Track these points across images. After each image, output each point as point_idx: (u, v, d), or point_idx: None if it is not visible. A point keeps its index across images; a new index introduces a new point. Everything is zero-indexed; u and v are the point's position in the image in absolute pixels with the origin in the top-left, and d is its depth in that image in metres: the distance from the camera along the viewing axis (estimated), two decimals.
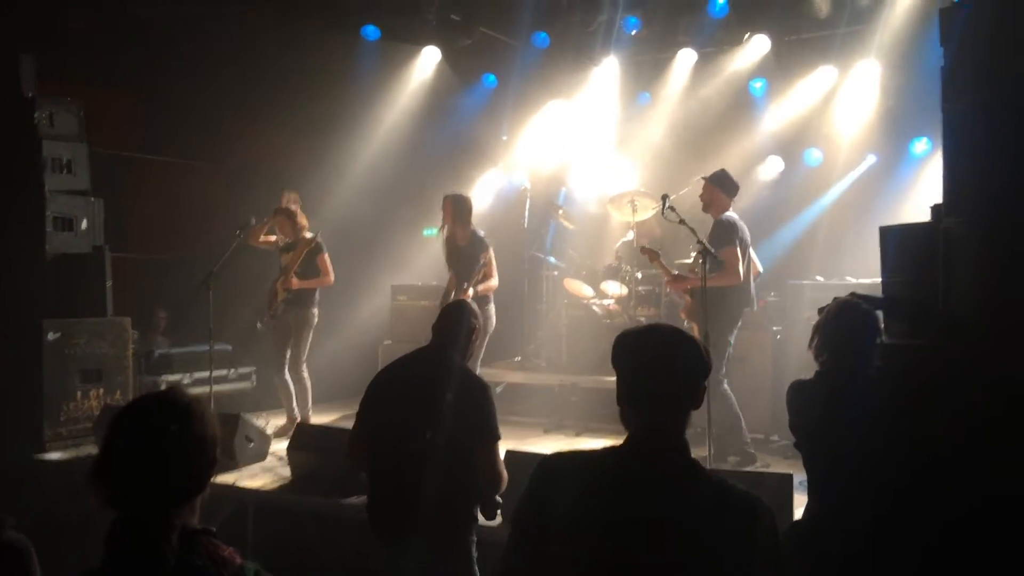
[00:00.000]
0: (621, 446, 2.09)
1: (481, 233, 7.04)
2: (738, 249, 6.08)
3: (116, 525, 1.80)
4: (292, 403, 7.17)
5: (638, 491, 1.99)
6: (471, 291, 6.54)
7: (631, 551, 1.94)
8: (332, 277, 7.21)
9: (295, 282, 7.02)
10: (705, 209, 6.40)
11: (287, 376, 7.17)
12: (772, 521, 1.99)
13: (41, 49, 7.08)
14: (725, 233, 6.14)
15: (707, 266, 5.76)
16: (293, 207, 7.24)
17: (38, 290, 6.68)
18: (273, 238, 7.30)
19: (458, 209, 6.98)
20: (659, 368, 2.10)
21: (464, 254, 6.95)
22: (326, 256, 7.16)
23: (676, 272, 6.62)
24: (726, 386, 6.11)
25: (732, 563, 1.92)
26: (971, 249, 3.61)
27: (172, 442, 1.84)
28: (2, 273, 6.65)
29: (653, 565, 1.94)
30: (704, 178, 6.42)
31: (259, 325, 7.26)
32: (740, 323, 6.32)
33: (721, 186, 6.35)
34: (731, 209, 6.35)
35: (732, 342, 6.24)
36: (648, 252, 6.52)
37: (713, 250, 5.92)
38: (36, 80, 6.87)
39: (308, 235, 7.13)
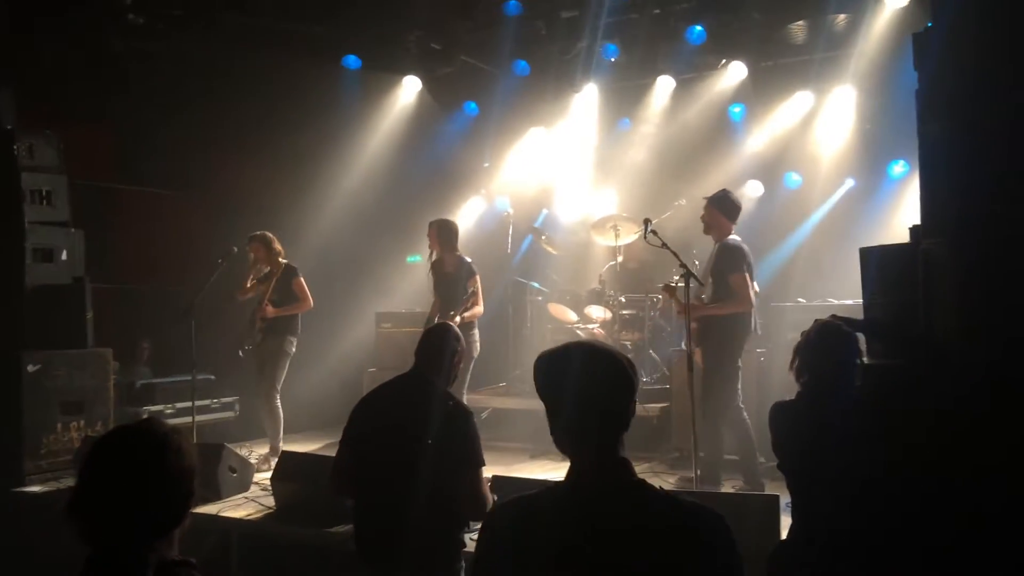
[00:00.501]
0: (563, 483, 1.99)
1: (468, 259, 7.06)
2: (746, 275, 5.97)
3: (91, 562, 1.78)
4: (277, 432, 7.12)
5: (587, 528, 1.90)
6: (458, 319, 6.53)
7: None
8: (310, 302, 7.18)
9: (270, 310, 7.00)
10: (707, 231, 6.28)
11: (262, 404, 7.13)
12: (725, 529, 1.92)
13: (20, 81, 7.07)
14: (732, 259, 6.01)
15: (690, 288, 5.75)
16: (269, 235, 7.22)
17: (18, 321, 6.62)
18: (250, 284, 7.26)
19: (445, 234, 7.01)
20: (587, 391, 1.97)
21: (451, 280, 6.96)
22: (301, 280, 7.14)
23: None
24: (744, 413, 6.03)
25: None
26: (950, 269, 3.65)
27: (148, 474, 1.82)
28: None
29: None
30: (706, 199, 6.29)
31: (240, 353, 7.21)
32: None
33: (723, 208, 6.18)
34: (733, 231, 6.24)
35: (735, 370, 6.18)
36: (667, 289, 6.18)
37: (700, 275, 5.93)
38: (15, 112, 6.85)
39: (283, 261, 7.12)
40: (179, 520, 1.87)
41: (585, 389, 1.98)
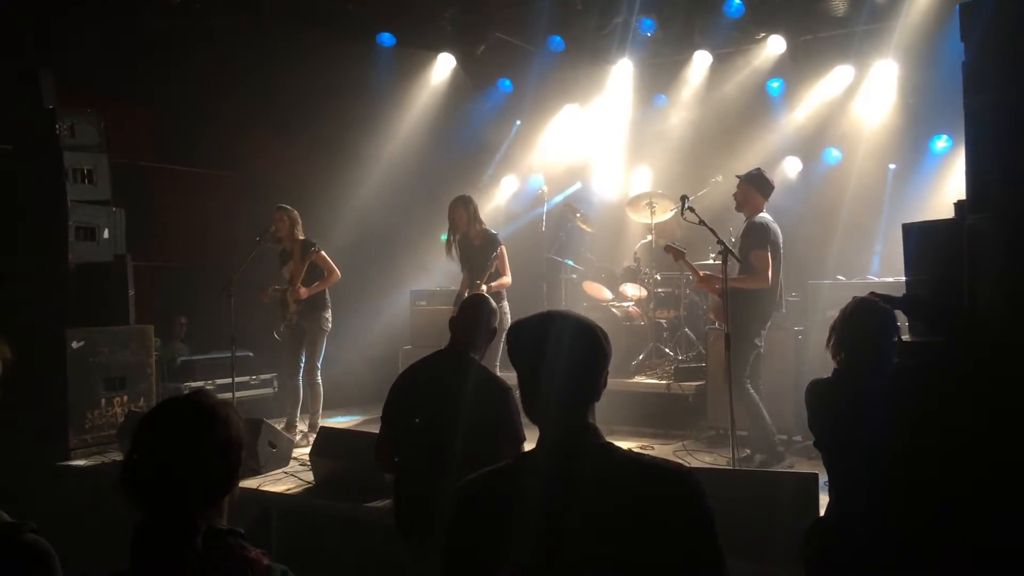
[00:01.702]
0: (533, 451, 2.04)
1: (493, 231, 7.06)
2: (768, 253, 5.99)
3: (141, 527, 1.82)
4: (296, 409, 7.21)
5: (559, 491, 1.93)
6: (484, 287, 6.53)
7: (565, 555, 1.88)
8: (338, 273, 7.22)
9: (303, 292, 7.05)
10: (739, 208, 6.30)
11: (299, 381, 7.21)
12: (694, 483, 1.94)
13: (61, 62, 7.15)
14: (757, 236, 6.05)
15: (727, 266, 5.73)
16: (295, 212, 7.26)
17: (61, 299, 6.73)
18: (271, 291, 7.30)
19: (472, 209, 7.01)
20: (558, 361, 2.00)
21: (478, 252, 6.96)
22: (324, 254, 7.17)
23: (704, 272, 6.54)
24: (748, 386, 6.06)
25: (665, 533, 1.88)
26: (996, 245, 3.59)
27: (198, 444, 1.86)
28: (26, 283, 6.70)
29: (590, 562, 1.89)
30: (738, 176, 6.30)
31: (276, 335, 7.29)
32: (768, 324, 6.28)
33: (756, 186, 6.20)
34: (764, 209, 6.25)
35: (761, 344, 6.19)
36: (672, 251, 6.38)
37: (736, 251, 5.90)
38: (56, 92, 6.94)
39: (302, 239, 7.17)
40: (228, 489, 1.91)
41: (557, 359, 2.01)
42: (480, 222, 7.04)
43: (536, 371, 2.04)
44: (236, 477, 1.93)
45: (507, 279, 6.96)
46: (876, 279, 7.18)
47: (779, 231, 6.21)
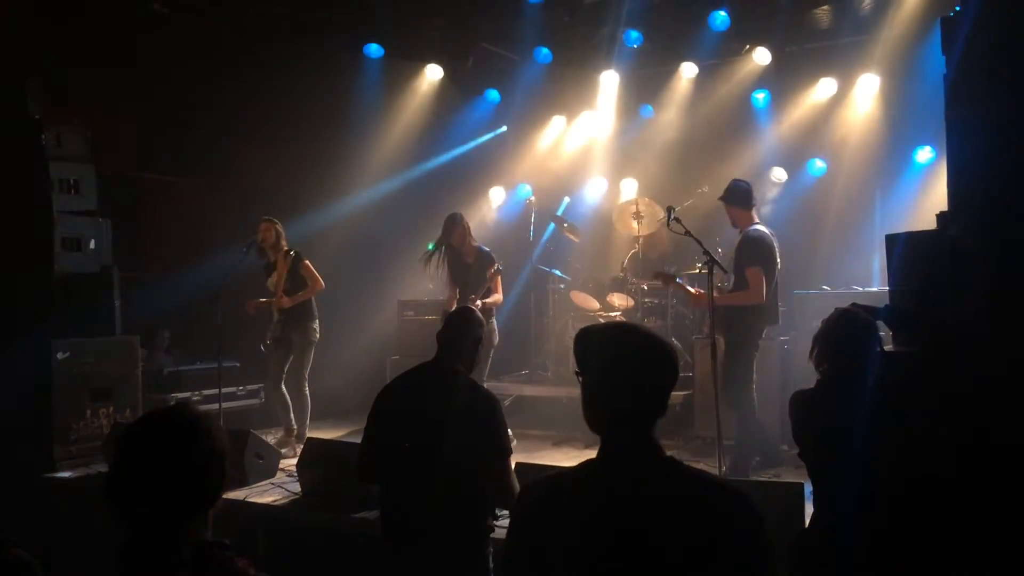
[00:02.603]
0: (598, 460, 1.99)
1: (486, 248, 7.13)
2: (761, 268, 5.98)
3: (128, 541, 1.82)
4: (290, 414, 7.19)
5: (624, 505, 1.90)
6: (479, 303, 6.56)
7: (628, 566, 1.87)
8: (321, 282, 7.21)
9: (286, 300, 7.05)
10: (734, 226, 6.32)
11: (283, 389, 7.19)
12: (752, 506, 1.91)
13: (47, 72, 7.13)
14: (749, 251, 6.06)
15: (713, 276, 5.76)
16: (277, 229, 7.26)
17: (47, 310, 6.70)
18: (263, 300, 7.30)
19: (464, 227, 7.10)
20: (637, 372, 1.98)
21: (472, 270, 7.02)
22: (308, 263, 7.17)
23: (698, 290, 6.46)
24: (754, 394, 6.09)
25: (720, 554, 1.85)
26: (978, 256, 3.62)
27: (181, 457, 1.86)
28: (11, 293, 6.67)
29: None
30: (720, 199, 6.32)
31: (262, 347, 7.29)
32: (764, 336, 6.29)
33: (735, 201, 6.23)
34: (757, 219, 6.25)
35: (750, 359, 6.21)
36: (662, 276, 6.34)
37: (725, 264, 5.95)
38: (42, 102, 6.92)
39: (287, 249, 7.17)
40: (212, 501, 1.91)
41: (631, 368, 1.98)
42: (472, 239, 7.12)
43: (604, 378, 2.01)
44: (220, 489, 1.93)
45: (499, 297, 7.03)
46: (861, 289, 7.23)
47: (774, 241, 6.19)
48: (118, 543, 1.81)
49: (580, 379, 2.06)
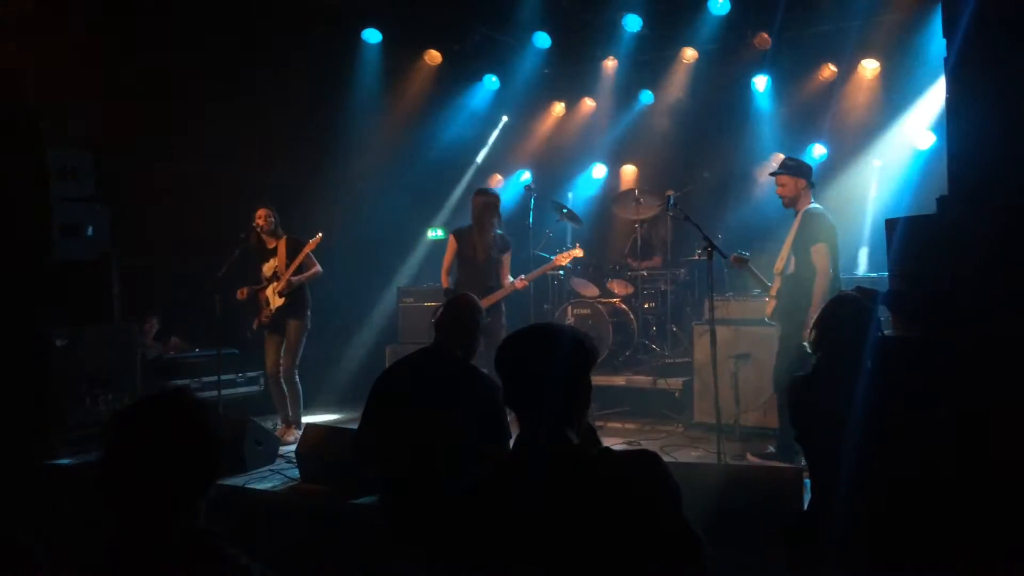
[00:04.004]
0: (509, 453, 2.16)
1: (500, 231, 6.91)
2: (826, 245, 5.71)
3: (118, 527, 1.81)
4: (287, 407, 7.18)
5: (532, 490, 2.01)
6: (519, 284, 6.52)
7: (546, 559, 1.94)
8: (320, 267, 7.20)
9: (290, 282, 7.00)
10: (788, 205, 5.99)
11: (281, 381, 7.18)
12: (652, 467, 2.02)
13: (45, 58, 7.10)
14: (812, 228, 5.75)
15: (713, 261, 5.73)
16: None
17: (45, 297, 6.69)
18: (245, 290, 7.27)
19: (498, 211, 6.81)
20: (524, 372, 2.14)
21: (488, 253, 6.78)
22: (308, 249, 7.14)
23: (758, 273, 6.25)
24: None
25: (635, 522, 1.93)
26: (977, 239, 3.61)
27: (171, 443, 1.84)
28: (9, 280, 6.66)
29: (570, 563, 1.94)
30: (777, 172, 6.00)
31: (254, 327, 7.27)
32: None
33: (801, 174, 5.91)
34: (811, 196, 5.98)
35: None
36: (737, 260, 6.10)
37: (719, 248, 5.88)
38: (41, 88, 6.89)
39: (283, 233, 7.16)
40: (204, 489, 1.89)
41: (531, 365, 2.14)
42: (497, 221, 6.83)
43: (508, 380, 2.17)
44: (214, 476, 1.91)
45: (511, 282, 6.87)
46: (862, 274, 7.21)
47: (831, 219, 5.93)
48: (109, 530, 1.80)
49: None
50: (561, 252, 7.05)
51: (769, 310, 6.07)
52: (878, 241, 7.69)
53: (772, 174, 6.09)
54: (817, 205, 5.94)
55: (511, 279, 6.87)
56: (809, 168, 6.03)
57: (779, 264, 5.96)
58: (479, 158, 10.30)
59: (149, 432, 1.85)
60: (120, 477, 1.83)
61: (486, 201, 6.81)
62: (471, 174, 10.20)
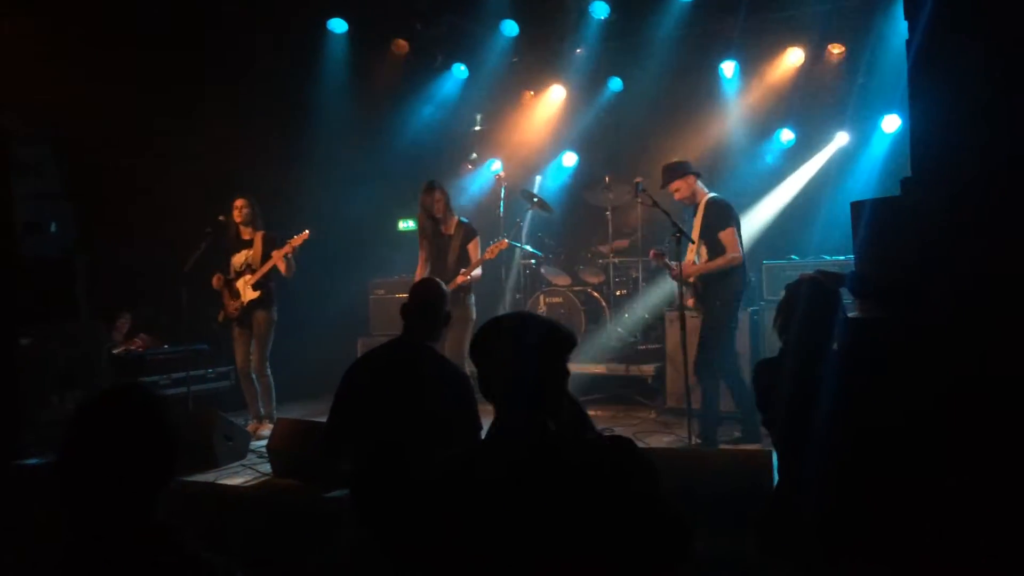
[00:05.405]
0: (483, 439, 2.18)
1: (466, 219, 6.87)
2: (734, 229, 6.05)
3: (75, 523, 1.78)
4: (258, 402, 7.16)
5: (505, 474, 2.01)
6: (469, 277, 6.46)
7: (520, 545, 1.94)
8: (294, 264, 7.18)
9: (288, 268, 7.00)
10: (689, 202, 6.30)
11: (252, 376, 7.14)
12: (629, 454, 2.04)
13: (7, 53, 6.97)
14: (719, 215, 6.07)
15: (682, 249, 5.77)
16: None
17: (9, 295, 6.58)
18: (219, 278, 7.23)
19: (443, 195, 6.76)
20: (498, 359, 2.15)
21: (449, 242, 6.74)
22: (293, 243, 7.10)
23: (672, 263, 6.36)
24: (715, 370, 6.04)
25: (610, 505, 1.95)
26: (939, 221, 3.63)
27: (125, 437, 1.82)
28: None
29: (542, 550, 1.93)
30: (667, 180, 6.25)
31: (220, 319, 7.23)
32: (741, 303, 6.28)
33: (679, 175, 6.19)
34: (705, 188, 6.29)
35: (736, 324, 6.20)
36: (658, 257, 6.32)
37: (699, 234, 5.96)
38: (2, 83, 6.77)
39: (261, 227, 7.15)
40: (161, 483, 1.86)
41: (506, 354, 2.14)
42: (452, 211, 6.81)
43: (480, 369, 2.18)
44: (170, 471, 1.88)
45: (479, 272, 6.78)
46: (830, 258, 7.27)
47: (734, 207, 6.24)
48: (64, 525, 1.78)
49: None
50: (491, 244, 6.95)
51: (690, 302, 6.29)
52: (844, 224, 7.75)
53: (663, 187, 6.28)
54: (715, 194, 6.22)
55: (478, 270, 6.79)
56: (686, 162, 6.31)
57: (690, 256, 6.17)
58: (449, 146, 10.24)
59: (101, 426, 1.82)
60: (74, 473, 1.80)
61: (433, 196, 6.73)
62: (441, 164, 10.14)
